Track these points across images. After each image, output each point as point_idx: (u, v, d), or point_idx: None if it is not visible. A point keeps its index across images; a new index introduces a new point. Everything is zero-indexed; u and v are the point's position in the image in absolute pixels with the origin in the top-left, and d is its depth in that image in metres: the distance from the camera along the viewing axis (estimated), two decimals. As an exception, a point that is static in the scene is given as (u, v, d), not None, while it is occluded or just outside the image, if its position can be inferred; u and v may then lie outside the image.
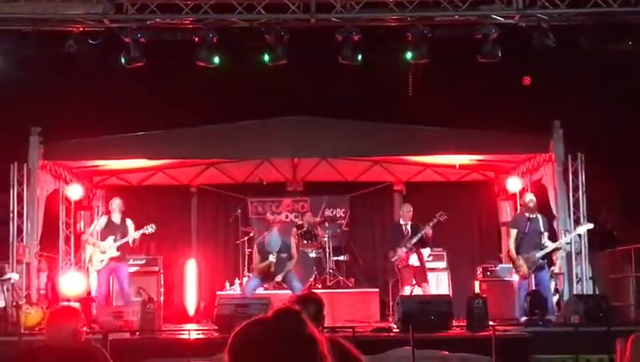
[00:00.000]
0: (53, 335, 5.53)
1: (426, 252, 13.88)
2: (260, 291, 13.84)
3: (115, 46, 13.05)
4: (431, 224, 13.37)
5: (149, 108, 16.69)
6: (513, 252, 13.23)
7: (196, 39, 12.99)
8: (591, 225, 13.36)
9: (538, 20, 12.91)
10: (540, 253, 12.84)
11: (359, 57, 13.10)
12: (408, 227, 13.66)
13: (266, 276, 13.39)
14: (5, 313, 12.69)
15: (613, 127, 16.52)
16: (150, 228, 13.11)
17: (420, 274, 13.61)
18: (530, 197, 13.43)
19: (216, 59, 13.20)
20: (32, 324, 12.31)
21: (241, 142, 14.64)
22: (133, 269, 13.96)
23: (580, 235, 13.70)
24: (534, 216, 13.15)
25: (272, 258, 13.08)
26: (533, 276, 13.06)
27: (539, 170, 14.92)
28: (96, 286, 13.77)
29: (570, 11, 12.78)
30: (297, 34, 13.14)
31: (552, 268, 13.52)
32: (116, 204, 13.25)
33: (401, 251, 13.45)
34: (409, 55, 13.21)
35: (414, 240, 13.45)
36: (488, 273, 14.76)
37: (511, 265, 13.92)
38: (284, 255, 13.23)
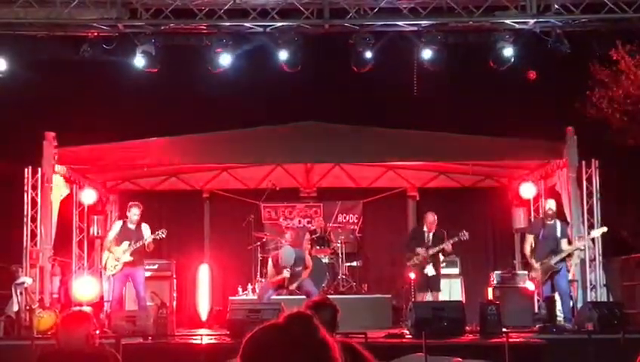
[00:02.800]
0: (65, 340, 5.53)
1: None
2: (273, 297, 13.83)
3: (130, 51, 13.07)
4: (452, 241, 13.35)
5: (163, 114, 16.75)
6: (529, 257, 13.19)
7: (210, 44, 13.00)
8: (605, 229, 13.28)
9: (552, 26, 12.86)
10: (554, 259, 12.74)
11: (372, 63, 13.07)
12: (430, 235, 13.62)
13: (281, 287, 13.42)
14: (18, 317, 12.72)
15: (627, 134, 16.48)
16: (161, 234, 13.09)
17: (434, 283, 13.59)
18: (549, 205, 13.35)
19: (230, 65, 13.20)
20: (44, 328, 12.35)
21: (254, 148, 14.65)
22: (146, 274, 13.92)
23: (593, 242, 13.64)
24: (552, 222, 13.05)
25: (286, 273, 13.05)
26: (549, 282, 12.92)
27: (553, 176, 14.87)
28: (111, 290, 13.78)
29: (584, 17, 12.73)
30: (311, 40, 13.13)
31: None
32: (135, 211, 13.20)
33: (419, 256, 13.42)
34: (427, 55, 13.11)
35: (432, 252, 13.43)
36: (502, 279, 14.69)
37: (526, 272, 13.89)
38: (299, 268, 13.21)
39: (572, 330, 12.29)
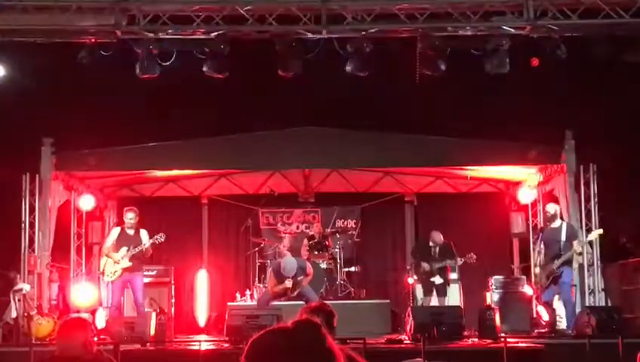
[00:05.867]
0: (63, 346, 5.53)
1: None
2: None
3: (128, 57, 13.07)
4: (460, 260, 13.41)
5: (161, 120, 16.74)
6: (533, 262, 13.24)
7: (207, 50, 13.00)
8: (601, 231, 13.29)
9: (549, 31, 12.87)
10: (556, 263, 12.75)
11: (370, 68, 13.06)
12: (437, 249, 13.69)
13: (283, 296, 13.41)
14: (17, 324, 12.71)
15: (625, 138, 16.50)
16: (159, 238, 13.09)
17: (441, 290, 13.63)
18: (548, 208, 13.40)
19: (227, 71, 13.19)
20: (43, 335, 12.34)
21: (252, 153, 14.66)
22: (145, 280, 13.92)
23: (592, 246, 13.64)
24: (556, 225, 13.06)
25: (288, 283, 13.00)
26: (552, 286, 12.93)
27: (551, 181, 14.87)
28: (109, 296, 13.78)
29: (581, 22, 12.73)
30: (307, 45, 13.13)
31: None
32: (130, 215, 13.22)
33: (423, 269, 13.46)
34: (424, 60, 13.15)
35: (438, 266, 13.49)
36: (501, 284, 14.69)
37: (524, 277, 13.93)
38: (301, 277, 13.21)
39: (570, 335, 12.30)
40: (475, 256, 13.48)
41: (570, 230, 13.00)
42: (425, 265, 13.51)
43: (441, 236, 13.88)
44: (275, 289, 13.21)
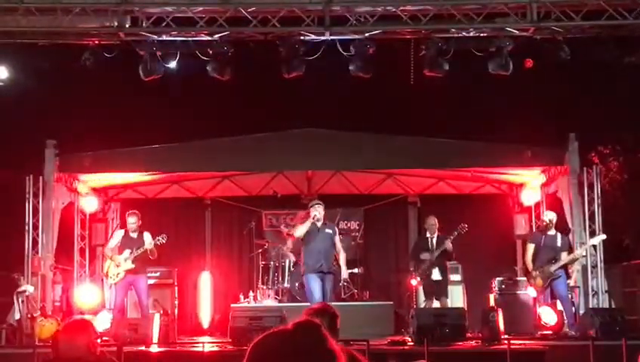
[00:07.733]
0: (67, 348, 5.52)
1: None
2: (275, 304, 13.78)
3: (131, 59, 13.08)
4: (451, 237, 13.36)
5: (165, 121, 16.77)
6: (529, 264, 13.30)
7: (211, 52, 13.00)
8: (604, 236, 13.34)
9: (553, 33, 12.86)
10: (553, 267, 12.89)
11: (373, 70, 13.06)
12: (434, 240, 13.63)
13: (311, 252, 12.88)
14: (20, 325, 12.72)
15: (629, 140, 16.49)
16: (161, 239, 13.08)
17: (441, 289, 13.59)
18: (545, 216, 13.50)
19: (231, 73, 13.20)
20: (46, 336, 12.34)
21: (255, 155, 14.67)
22: (149, 282, 13.90)
23: (595, 248, 13.65)
24: (552, 233, 13.19)
25: (315, 212, 12.67)
26: (549, 288, 13.06)
27: (554, 182, 14.86)
28: (113, 298, 13.79)
29: (585, 23, 12.73)
30: (310, 46, 13.13)
31: (568, 282, 13.45)
32: (132, 219, 13.22)
33: (426, 262, 13.45)
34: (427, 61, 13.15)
35: (436, 254, 13.45)
36: (504, 286, 14.68)
37: (526, 278, 13.93)
38: (329, 231, 12.96)
39: (574, 337, 12.30)
40: (465, 226, 13.38)
41: (564, 241, 13.22)
42: (425, 255, 13.48)
43: (436, 220, 13.80)
44: (301, 231, 12.86)
